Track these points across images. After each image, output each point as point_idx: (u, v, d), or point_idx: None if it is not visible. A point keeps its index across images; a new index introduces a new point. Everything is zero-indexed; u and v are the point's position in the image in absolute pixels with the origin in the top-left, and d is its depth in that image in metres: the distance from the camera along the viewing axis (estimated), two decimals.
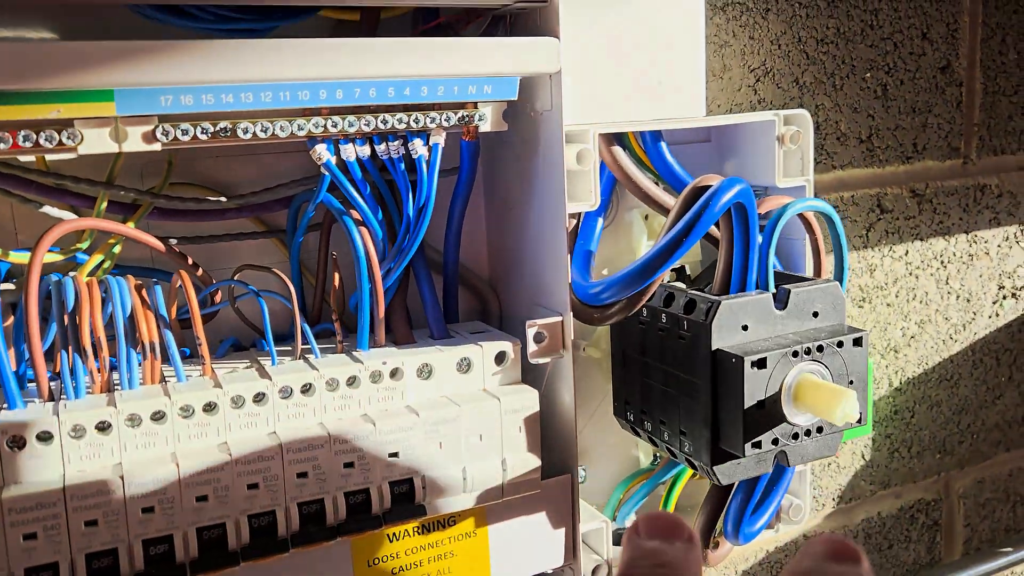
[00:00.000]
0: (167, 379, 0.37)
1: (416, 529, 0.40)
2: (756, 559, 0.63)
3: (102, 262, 0.39)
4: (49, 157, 0.34)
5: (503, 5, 0.39)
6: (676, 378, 0.45)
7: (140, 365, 0.36)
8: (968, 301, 0.69)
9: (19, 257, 0.36)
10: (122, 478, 0.33)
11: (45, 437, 0.33)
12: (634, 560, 0.24)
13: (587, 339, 0.53)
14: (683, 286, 0.46)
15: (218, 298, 0.41)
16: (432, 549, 0.41)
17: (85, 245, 0.38)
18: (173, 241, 0.41)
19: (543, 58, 0.39)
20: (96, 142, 0.33)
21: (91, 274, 0.38)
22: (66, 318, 0.35)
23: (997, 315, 0.71)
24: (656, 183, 0.51)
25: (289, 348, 0.40)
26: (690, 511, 0.54)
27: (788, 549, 0.65)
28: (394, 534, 0.40)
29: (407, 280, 0.43)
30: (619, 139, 0.48)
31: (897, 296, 0.66)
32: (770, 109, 0.57)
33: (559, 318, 0.42)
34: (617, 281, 0.43)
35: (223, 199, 0.40)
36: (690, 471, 0.52)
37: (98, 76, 0.32)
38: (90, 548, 0.33)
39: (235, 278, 0.40)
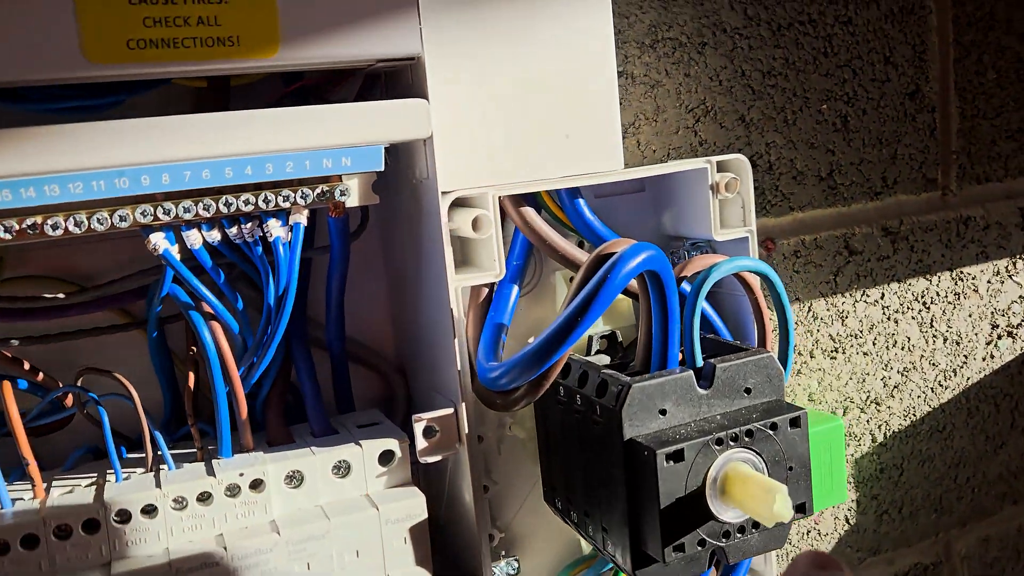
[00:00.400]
0: None
1: None
2: None
3: None
4: None
5: (367, 65, 0.35)
6: (596, 468, 0.40)
7: None
8: (958, 344, 0.63)
9: None
10: None
11: None
12: None
13: (513, 417, 0.48)
14: (597, 363, 0.41)
15: (68, 402, 0.37)
16: None
17: None
18: (15, 342, 0.37)
19: (410, 123, 0.35)
20: None
21: None
22: None
23: (992, 357, 0.64)
24: (580, 243, 0.46)
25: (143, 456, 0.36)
26: None
27: None
28: None
29: (286, 369, 0.39)
30: (532, 199, 0.44)
31: (875, 344, 0.60)
32: (714, 151, 0.52)
33: (450, 410, 0.37)
34: (515, 364, 0.38)
35: (61, 296, 0.36)
36: None
37: None
38: None
39: (79, 382, 0.36)
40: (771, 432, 0.38)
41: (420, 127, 0.35)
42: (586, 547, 0.49)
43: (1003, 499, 0.67)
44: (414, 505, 0.36)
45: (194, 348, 0.37)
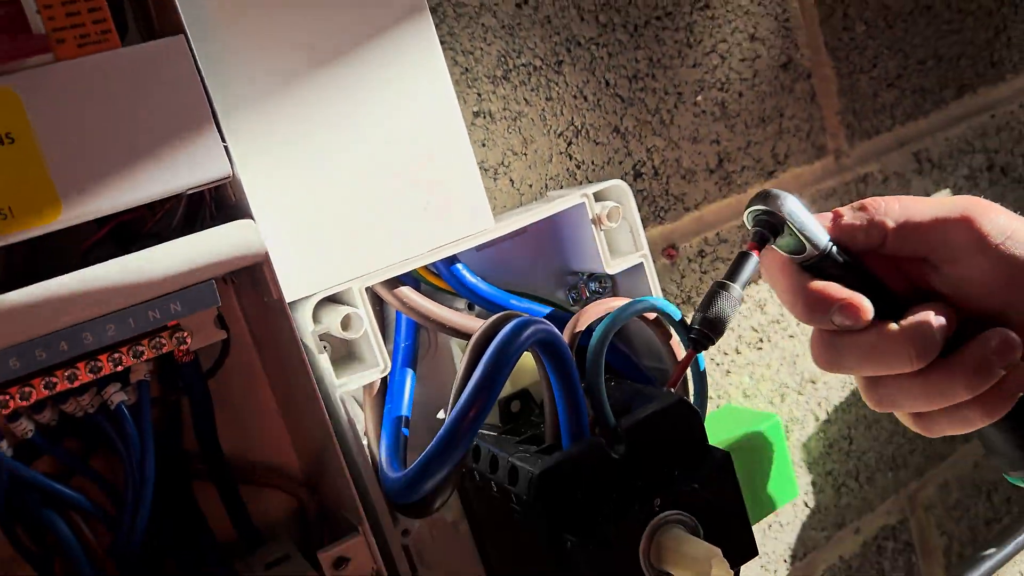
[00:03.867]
0: None
1: None
2: None
3: None
4: None
5: (174, 195, 0.31)
6: (529, 553, 0.37)
7: None
8: None
9: None
10: None
11: None
12: None
13: None
14: (509, 444, 0.38)
15: None
16: None
17: None
18: None
19: (240, 248, 0.31)
20: None
21: None
22: None
23: None
24: (470, 306, 0.44)
25: None
26: None
27: None
28: None
29: (169, 528, 0.35)
30: (404, 280, 0.41)
31: (798, 324, 0.58)
32: (593, 169, 0.50)
33: (358, 537, 0.34)
34: (418, 474, 0.35)
35: None
36: None
37: None
38: None
39: None
40: (697, 487, 0.36)
41: (252, 248, 0.32)
42: None
43: (953, 440, 0.66)
44: None
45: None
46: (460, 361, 0.44)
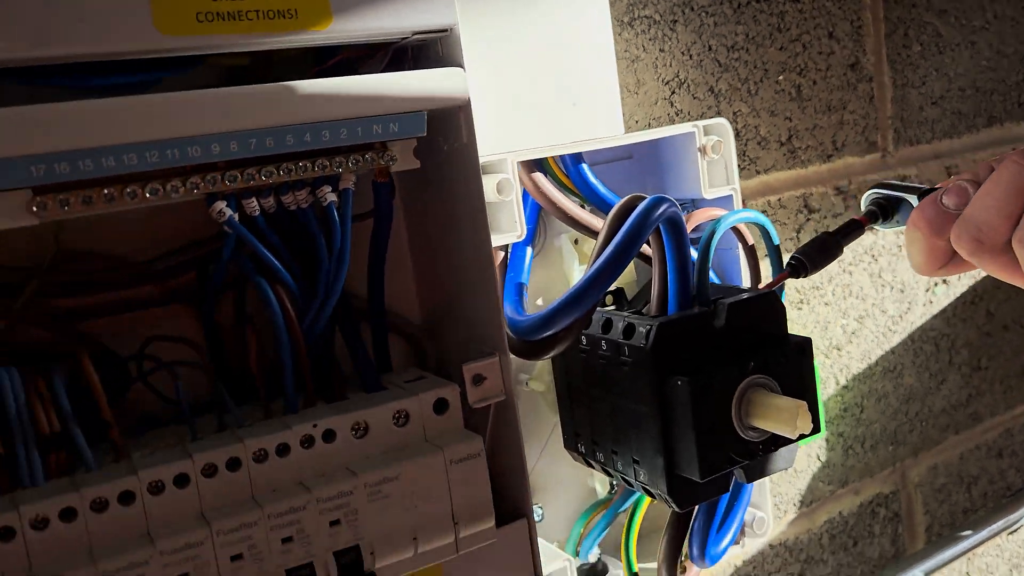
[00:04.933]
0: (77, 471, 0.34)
1: None
2: (725, 575, 0.62)
3: None
4: None
5: (402, 38, 0.38)
6: (623, 407, 0.43)
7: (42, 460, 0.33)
8: (902, 292, 0.69)
9: None
10: None
11: None
12: None
13: (529, 372, 0.51)
14: (621, 312, 0.45)
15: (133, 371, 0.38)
16: None
17: None
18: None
19: (450, 89, 0.38)
20: None
21: None
22: None
23: (931, 303, 0.71)
24: (582, 206, 0.50)
25: (210, 420, 0.37)
26: (655, 536, 0.53)
27: (756, 561, 0.63)
28: None
29: (332, 334, 0.41)
30: (539, 165, 0.47)
31: (834, 294, 0.65)
32: (688, 120, 0.57)
33: (495, 358, 0.40)
34: (553, 312, 0.41)
35: (116, 269, 0.38)
36: (646, 503, 0.51)
37: None
38: None
39: (145, 351, 0.37)
40: (783, 360, 0.42)
41: (458, 92, 0.38)
42: (601, 491, 0.53)
43: (946, 430, 0.74)
44: (473, 446, 0.38)
45: (251, 314, 0.39)
46: (568, 256, 0.50)
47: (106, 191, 0.32)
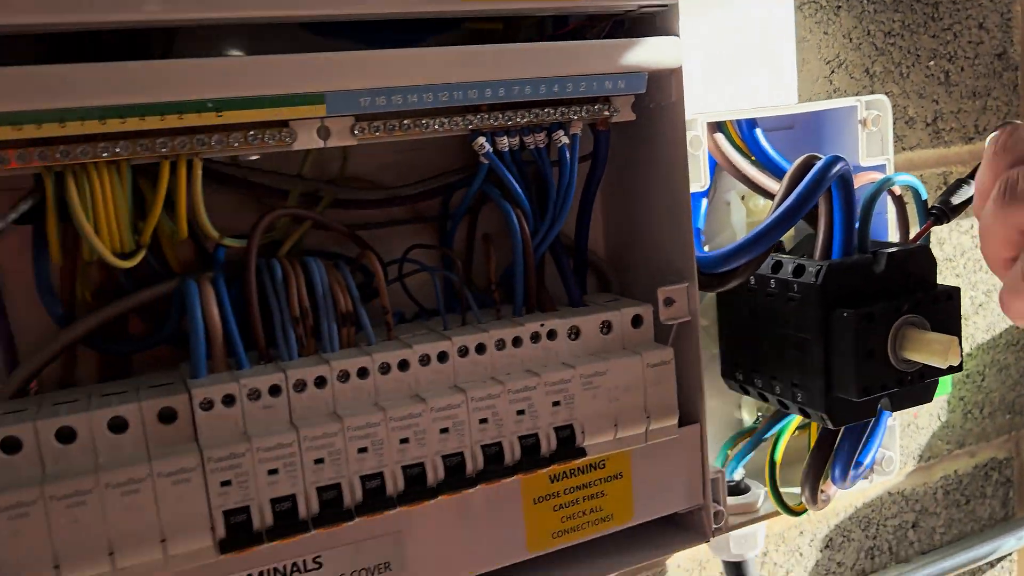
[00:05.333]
0: (360, 344, 0.43)
1: (574, 470, 0.45)
2: (847, 514, 0.68)
3: (291, 246, 0.45)
4: (265, 151, 0.40)
5: (627, 11, 0.45)
6: (788, 336, 0.50)
7: (338, 332, 0.42)
8: None
9: (233, 242, 0.42)
10: (344, 425, 0.39)
11: (274, 392, 0.39)
12: None
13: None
14: (789, 255, 0.51)
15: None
16: (586, 489, 0.46)
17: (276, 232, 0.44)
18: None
19: (667, 55, 0.45)
20: (306, 139, 0.39)
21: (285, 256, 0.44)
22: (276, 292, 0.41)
23: None
24: (753, 165, 0.56)
25: (453, 319, 0.46)
26: (793, 467, 0.59)
27: (875, 505, 0.69)
28: (555, 474, 0.45)
29: (544, 258, 0.49)
30: (719, 127, 0.54)
31: (965, 267, 0.70)
32: (843, 96, 0.63)
33: (685, 285, 0.47)
34: (736, 249, 0.48)
35: (381, 192, 0.46)
36: (792, 428, 0.57)
37: (314, 83, 0.38)
38: (319, 482, 0.39)
39: (405, 257, 0.46)
40: (934, 304, 0.48)
41: (675, 58, 0.45)
42: (747, 420, 0.60)
43: None
44: (666, 354, 0.46)
45: (488, 233, 0.47)
46: (736, 211, 0.57)
47: (404, 121, 0.41)
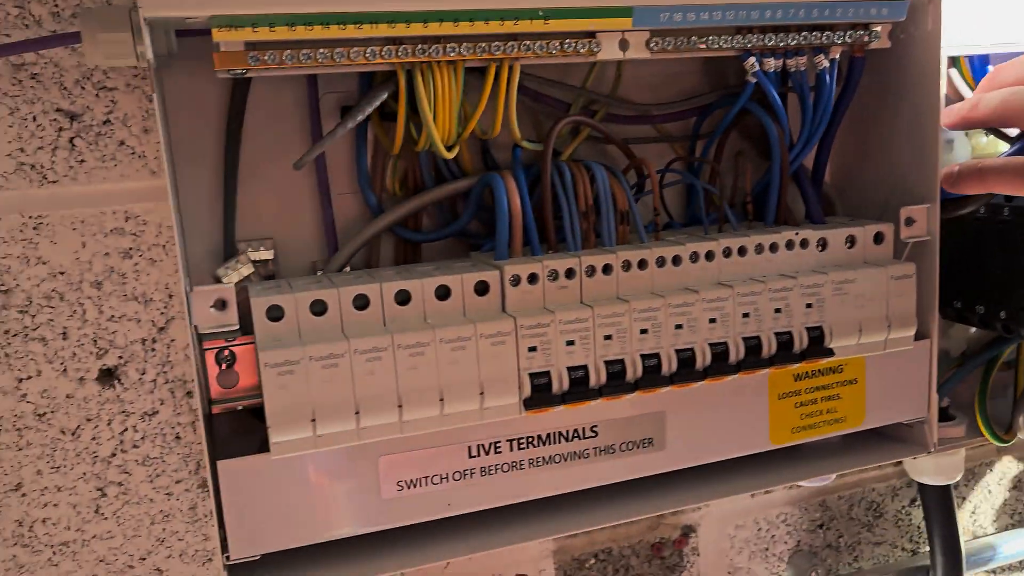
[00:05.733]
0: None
1: (816, 371, 0.49)
2: None
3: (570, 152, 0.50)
4: (572, 61, 0.44)
5: None
6: (1019, 264, 0.52)
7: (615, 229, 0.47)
8: None
9: (529, 145, 0.47)
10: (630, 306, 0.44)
11: (570, 274, 0.44)
12: None
13: None
14: None
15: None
16: (825, 390, 0.50)
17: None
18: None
19: None
20: (608, 51, 0.44)
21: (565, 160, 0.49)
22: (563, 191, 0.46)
23: None
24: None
25: (689, 231, 0.50)
26: (999, 402, 0.61)
27: None
28: (799, 373, 0.49)
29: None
30: (952, 61, 0.56)
31: None
32: None
33: (926, 206, 0.50)
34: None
35: (644, 109, 0.51)
36: (998, 363, 0.60)
37: None
38: (606, 356, 0.43)
39: (668, 168, 0.50)
40: None
41: None
42: (954, 351, 0.62)
43: None
44: (908, 268, 0.49)
45: (741, 149, 0.51)
46: (957, 143, 0.59)
47: (692, 38, 0.45)
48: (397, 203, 0.47)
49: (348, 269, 0.47)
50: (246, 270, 0.45)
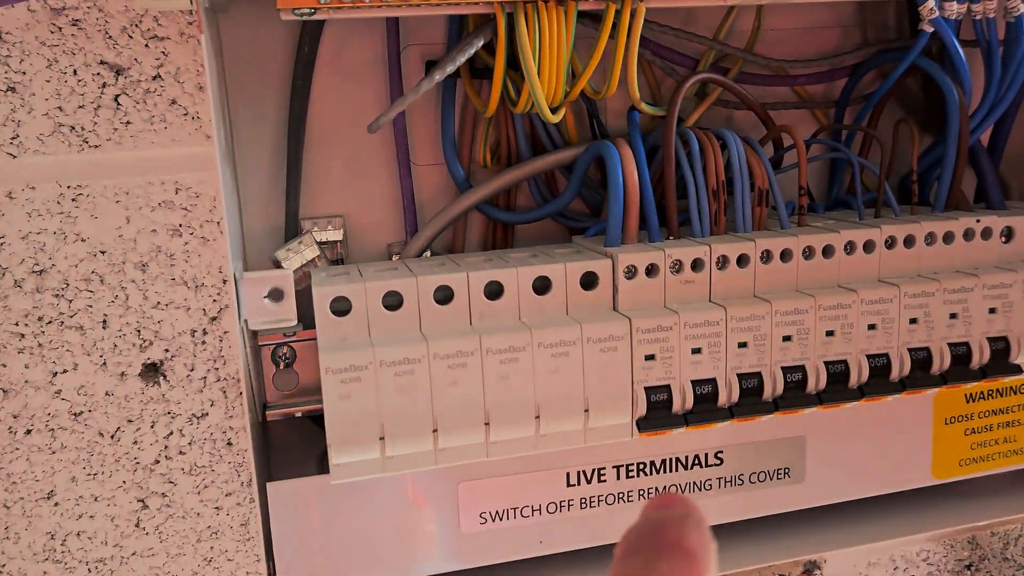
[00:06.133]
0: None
1: (992, 391, 0.40)
2: None
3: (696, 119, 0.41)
4: (704, 4, 0.36)
5: None
6: None
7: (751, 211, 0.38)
8: None
9: (650, 108, 0.39)
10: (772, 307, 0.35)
11: (697, 266, 0.36)
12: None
13: None
14: None
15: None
16: (1002, 415, 0.41)
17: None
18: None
19: None
20: None
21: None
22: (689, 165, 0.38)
23: None
24: None
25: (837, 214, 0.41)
26: None
27: None
28: (971, 394, 0.40)
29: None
30: None
31: None
32: None
33: None
34: None
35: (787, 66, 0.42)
36: None
37: None
38: (740, 368, 0.35)
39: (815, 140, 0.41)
40: None
41: None
42: None
43: None
44: None
45: (904, 117, 0.42)
46: None
47: None
48: (488, 177, 0.40)
49: (428, 254, 0.40)
50: (310, 253, 0.38)
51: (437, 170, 0.41)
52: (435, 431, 0.33)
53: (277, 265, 0.38)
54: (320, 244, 0.39)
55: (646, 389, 0.34)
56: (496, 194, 0.40)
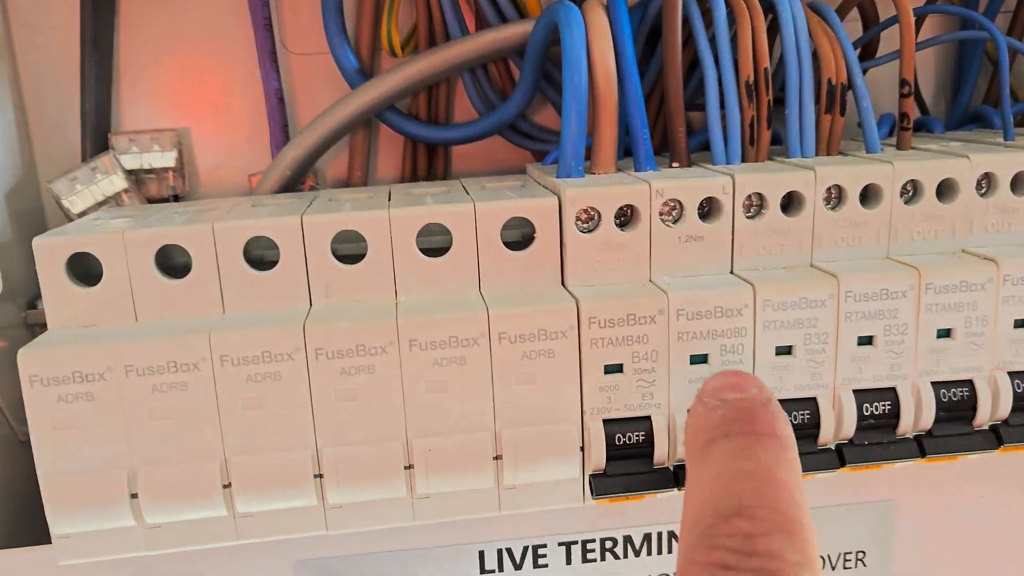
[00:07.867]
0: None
1: None
2: None
3: None
4: None
5: None
6: None
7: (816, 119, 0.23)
8: None
9: None
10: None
11: (707, 213, 0.21)
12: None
13: None
14: None
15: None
16: None
17: None
18: None
19: None
20: None
21: None
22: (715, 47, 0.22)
23: None
24: None
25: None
26: None
27: None
28: None
29: None
30: None
31: None
32: None
33: None
34: None
35: None
36: None
37: None
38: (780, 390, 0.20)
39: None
40: None
41: None
42: None
43: None
44: None
45: None
46: None
47: None
48: (395, 66, 0.26)
49: (310, 188, 0.26)
50: (109, 185, 0.25)
51: (320, 60, 0.27)
52: (227, 486, 0.19)
53: (58, 203, 0.25)
54: (138, 173, 0.26)
55: (605, 423, 0.20)
56: (406, 93, 0.26)
